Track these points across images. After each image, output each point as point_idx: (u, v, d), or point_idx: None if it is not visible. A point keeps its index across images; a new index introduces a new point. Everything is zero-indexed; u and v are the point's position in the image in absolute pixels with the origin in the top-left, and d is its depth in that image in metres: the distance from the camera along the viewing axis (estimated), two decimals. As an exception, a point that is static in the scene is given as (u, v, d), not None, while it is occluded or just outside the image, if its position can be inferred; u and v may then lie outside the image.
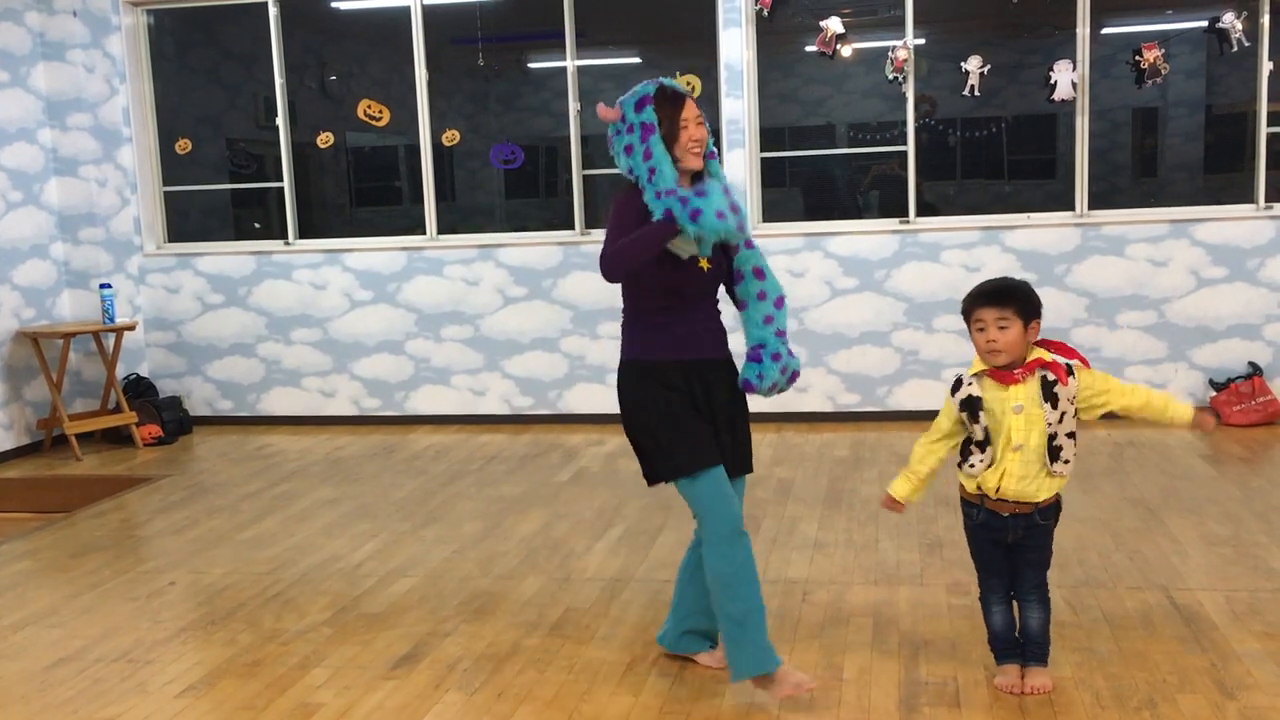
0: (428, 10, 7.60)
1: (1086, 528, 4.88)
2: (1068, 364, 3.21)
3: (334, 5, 8.48)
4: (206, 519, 5.62)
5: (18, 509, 5.98)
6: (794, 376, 3.47)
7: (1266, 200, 6.86)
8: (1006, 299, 3.16)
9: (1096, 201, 7.13)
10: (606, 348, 7.33)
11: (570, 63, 7.52)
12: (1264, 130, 6.81)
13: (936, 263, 7.09)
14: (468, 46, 8.17)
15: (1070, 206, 7.09)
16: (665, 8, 9.54)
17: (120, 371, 7.68)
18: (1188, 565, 4.37)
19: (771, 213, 7.68)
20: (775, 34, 7.64)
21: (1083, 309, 7.00)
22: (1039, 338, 3.24)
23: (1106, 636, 3.72)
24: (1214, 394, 6.81)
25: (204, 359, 8.03)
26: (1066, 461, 3.22)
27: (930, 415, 6.97)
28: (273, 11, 7.73)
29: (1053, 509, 3.32)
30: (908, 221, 7.19)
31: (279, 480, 6.38)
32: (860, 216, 8.95)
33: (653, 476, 3.40)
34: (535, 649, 3.82)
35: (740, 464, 3.47)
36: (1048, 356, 3.20)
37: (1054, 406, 3.16)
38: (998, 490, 3.23)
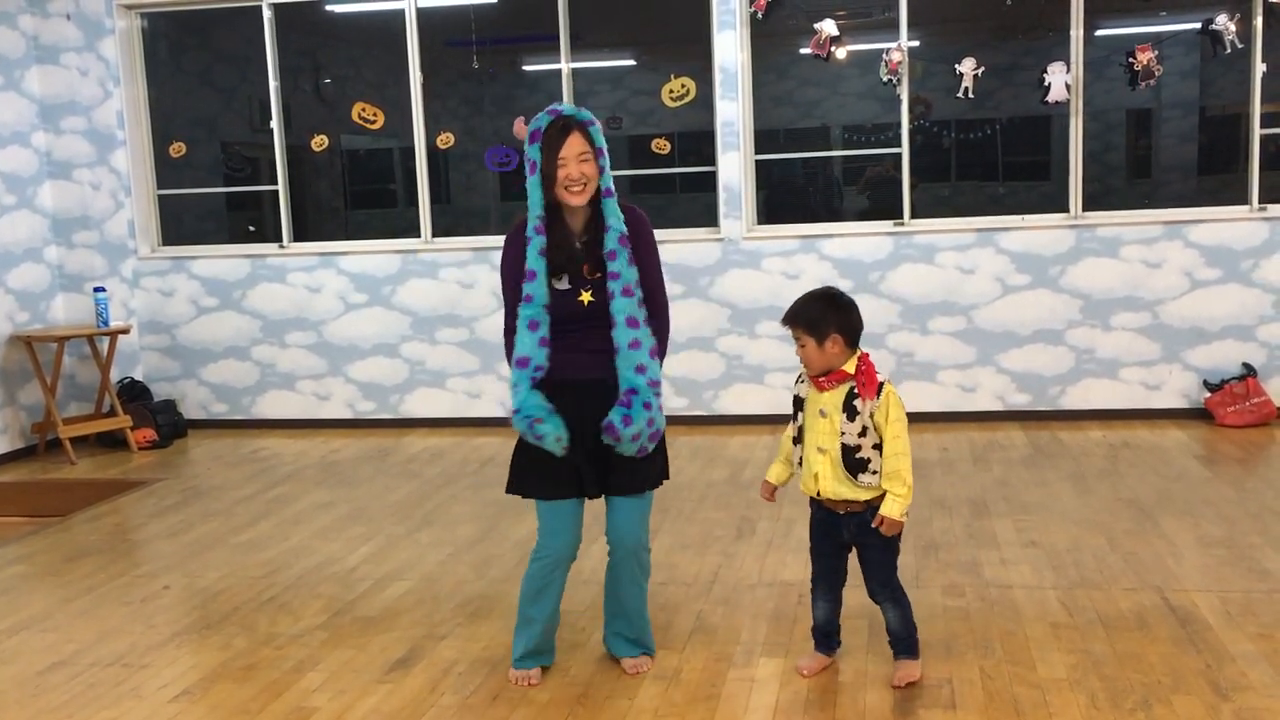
0: (422, 13, 7.60)
1: (1081, 529, 4.88)
2: (881, 381, 3.30)
3: (328, 8, 8.47)
4: (201, 523, 5.61)
5: (12, 513, 5.96)
6: (657, 435, 3.46)
7: (1260, 201, 6.87)
8: (794, 321, 3.36)
9: (1090, 203, 7.14)
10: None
11: (565, 65, 7.52)
12: (1257, 131, 6.82)
13: (931, 264, 7.10)
14: (462, 49, 8.17)
15: (1064, 208, 7.10)
16: (660, 10, 9.54)
17: (114, 375, 7.66)
18: (1182, 566, 4.37)
19: (762, 215, 7.68)
20: (770, 36, 7.65)
21: (1077, 310, 7.01)
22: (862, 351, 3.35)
23: (1101, 637, 3.72)
24: (1208, 395, 6.82)
25: (198, 362, 8.02)
26: (875, 473, 3.30)
27: (925, 417, 6.98)
28: (266, 14, 7.73)
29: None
30: (902, 223, 7.19)
31: (274, 484, 6.37)
32: (842, 218, 8.96)
33: (508, 487, 3.58)
34: (530, 652, 3.82)
35: (615, 485, 3.47)
36: (851, 369, 3.30)
37: (850, 419, 3.29)
38: (818, 491, 3.38)
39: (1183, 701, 3.25)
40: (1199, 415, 6.92)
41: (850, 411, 3.29)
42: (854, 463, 3.31)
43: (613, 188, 3.44)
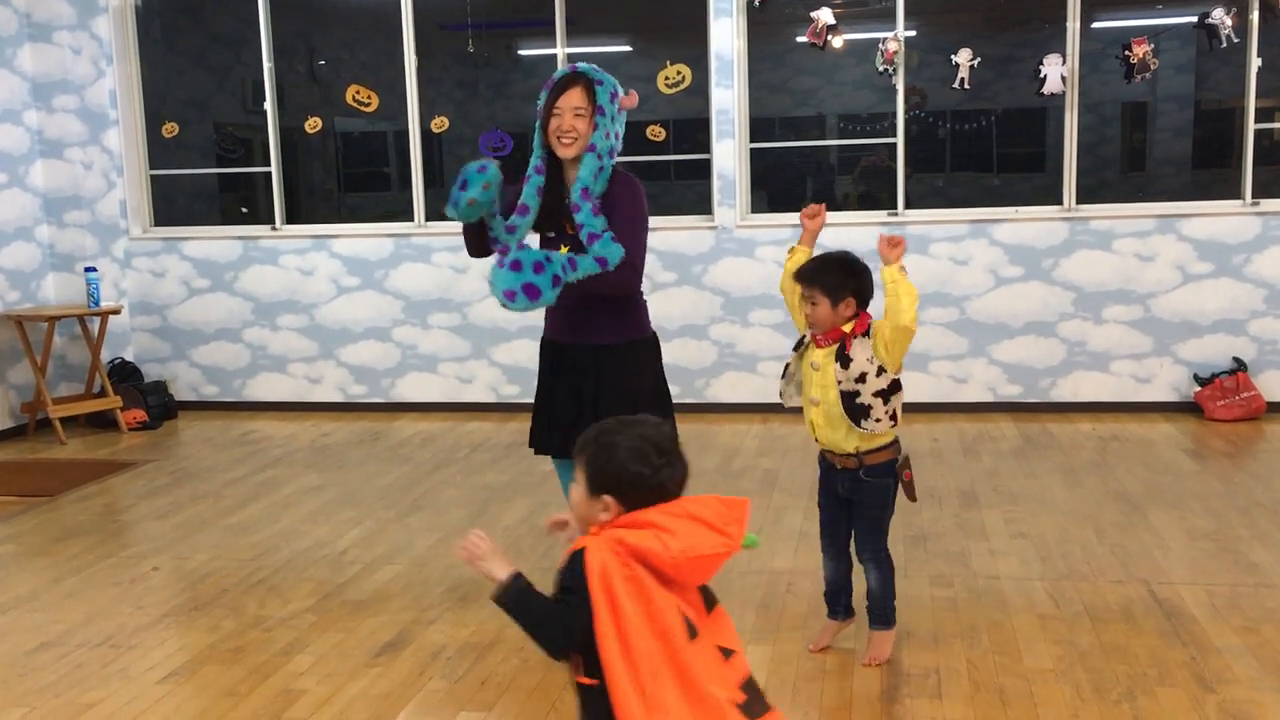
0: (417, -4, 7.57)
1: (1069, 521, 4.90)
2: (868, 328, 3.37)
3: (323, -11, 8.44)
4: (190, 504, 5.60)
5: (1, 493, 5.95)
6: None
7: (1253, 196, 6.88)
8: (813, 278, 3.38)
9: (1084, 196, 7.15)
10: (594, 337, 7.32)
11: (560, 50, 7.49)
12: (1252, 126, 6.82)
13: (925, 255, 7.10)
14: (457, 33, 8.15)
15: (1058, 200, 7.11)
16: (656, -4, 9.52)
17: (105, 355, 7.64)
18: (1169, 559, 4.39)
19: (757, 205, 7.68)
20: (766, 24, 7.63)
21: (1069, 303, 7.02)
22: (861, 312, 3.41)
23: (1087, 629, 3.74)
24: (1198, 389, 6.84)
25: (189, 344, 8.00)
26: (878, 420, 3.35)
27: (916, 407, 6.95)
28: (261, -5, 7.69)
29: (881, 467, 3.42)
30: (896, 214, 7.19)
31: (264, 466, 6.37)
32: (836, 208, 8.97)
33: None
34: (519, 638, 3.78)
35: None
36: (847, 329, 3.36)
37: (844, 366, 3.34)
38: (816, 439, 3.49)
39: (1167, 694, 3.26)
40: (1189, 409, 6.94)
41: (844, 360, 3.34)
42: (855, 409, 3.34)
43: (602, 150, 3.44)
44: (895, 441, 3.46)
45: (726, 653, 2.03)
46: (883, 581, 3.51)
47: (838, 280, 3.35)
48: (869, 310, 3.42)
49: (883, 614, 3.54)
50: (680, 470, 2.08)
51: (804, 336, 3.50)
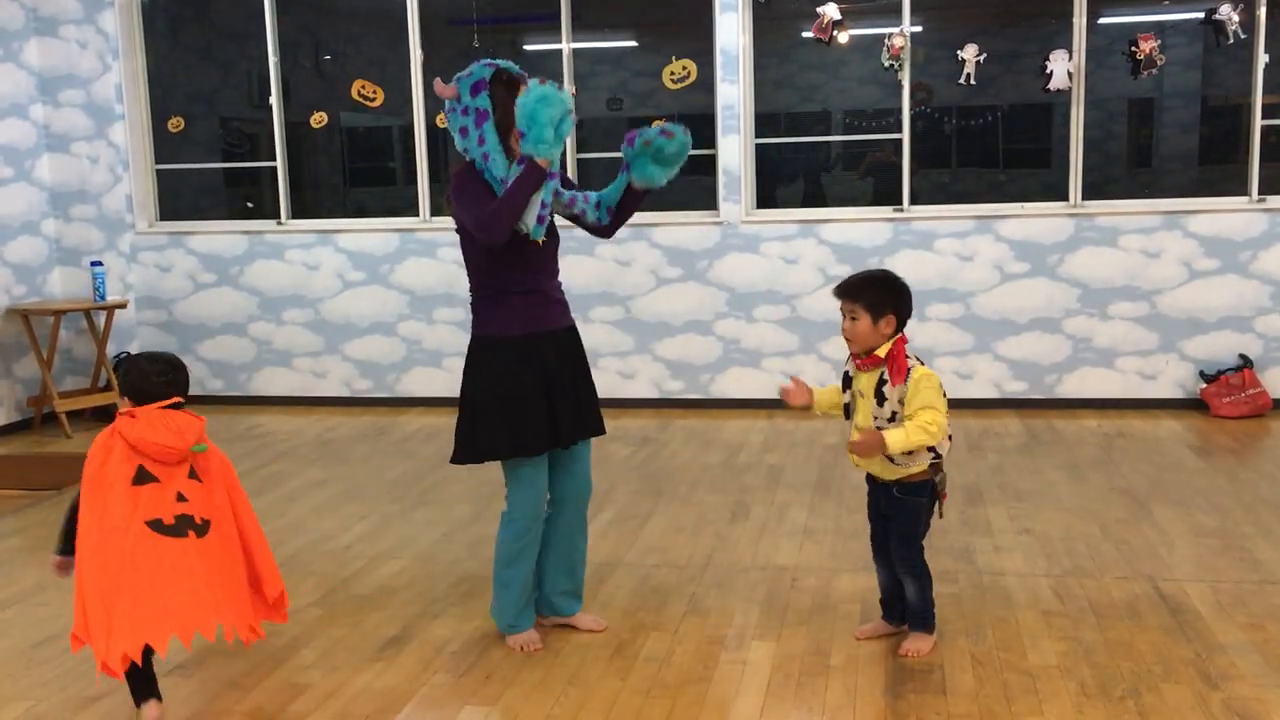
0: (423, -10, 7.57)
1: (1074, 517, 4.89)
2: (911, 365, 3.33)
3: (329, -16, 8.43)
4: (196, 498, 5.61)
5: (7, 486, 5.96)
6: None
7: (1260, 193, 6.87)
8: (856, 294, 3.36)
9: (1090, 192, 7.14)
10: (598, 332, 7.31)
11: (566, 45, 7.49)
12: (1259, 122, 6.80)
13: (930, 251, 7.10)
14: (463, 28, 8.14)
15: (1064, 197, 7.10)
16: (662, -9, 9.51)
17: (111, 350, 7.65)
18: (1174, 556, 4.39)
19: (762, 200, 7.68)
20: (772, 19, 7.62)
21: (1075, 300, 7.01)
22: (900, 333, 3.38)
23: (1092, 626, 3.73)
24: (1204, 385, 6.83)
25: (195, 338, 8.01)
26: (909, 453, 3.33)
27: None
28: (267, -11, 7.69)
29: (915, 486, 3.43)
30: (901, 209, 7.19)
31: (269, 460, 6.37)
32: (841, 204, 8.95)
33: (464, 457, 3.56)
34: (523, 632, 3.82)
35: (584, 428, 3.61)
36: (883, 354, 3.34)
37: (879, 404, 3.34)
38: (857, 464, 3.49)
39: (1172, 690, 3.26)
40: (1194, 405, 6.92)
41: (880, 397, 3.35)
42: None
43: None
44: (934, 464, 3.44)
45: (181, 498, 3.10)
46: (919, 592, 3.53)
47: (879, 297, 3.35)
48: (906, 334, 3.40)
49: (922, 621, 3.56)
50: (179, 387, 3.23)
51: (848, 372, 3.50)
